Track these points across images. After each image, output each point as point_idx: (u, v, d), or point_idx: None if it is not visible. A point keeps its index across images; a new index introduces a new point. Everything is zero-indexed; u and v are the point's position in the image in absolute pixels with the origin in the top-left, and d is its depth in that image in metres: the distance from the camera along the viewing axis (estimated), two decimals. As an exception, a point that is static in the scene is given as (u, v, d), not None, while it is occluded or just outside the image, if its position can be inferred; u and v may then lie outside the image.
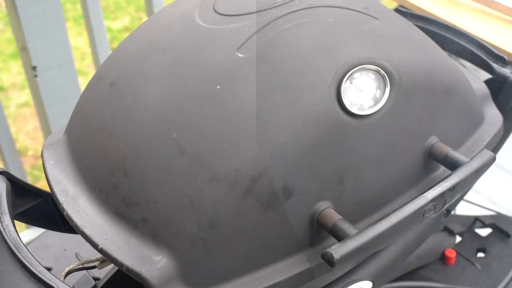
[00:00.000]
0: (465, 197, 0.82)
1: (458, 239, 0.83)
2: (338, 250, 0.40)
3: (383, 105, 0.45)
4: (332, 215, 0.44)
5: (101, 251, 0.43)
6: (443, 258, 0.78)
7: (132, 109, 0.45)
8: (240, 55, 0.45)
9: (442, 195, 0.45)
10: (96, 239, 0.43)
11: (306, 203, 0.44)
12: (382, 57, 0.46)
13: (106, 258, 0.43)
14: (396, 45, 0.48)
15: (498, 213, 0.87)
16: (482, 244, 0.81)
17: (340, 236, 0.43)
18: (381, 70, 0.45)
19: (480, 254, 0.80)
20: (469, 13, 0.83)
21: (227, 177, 0.41)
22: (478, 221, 0.84)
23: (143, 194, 0.43)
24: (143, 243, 0.42)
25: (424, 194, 0.45)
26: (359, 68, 0.45)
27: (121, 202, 0.44)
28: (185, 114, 0.43)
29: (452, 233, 0.80)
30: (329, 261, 0.41)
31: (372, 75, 0.45)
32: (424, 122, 0.49)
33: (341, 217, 0.44)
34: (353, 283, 0.57)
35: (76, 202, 0.46)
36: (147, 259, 0.42)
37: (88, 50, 2.17)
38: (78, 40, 2.44)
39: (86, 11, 1.39)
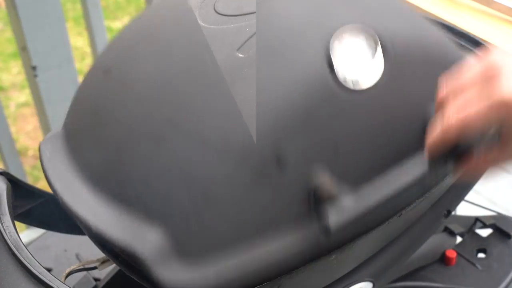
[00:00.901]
0: (465, 197, 0.82)
1: (459, 239, 0.82)
2: (334, 217, 0.40)
3: (377, 75, 0.44)
4: (328, 184, 0.43)
5: (95, 234, 0.42)
6: (443, 259, 0.78)
7: (123, 93, 0.46)
8: (240, 55, 0.45)
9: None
10: (90, 222, 0.43)
11: (300, 172, 0.43)
12: (375, 27, 0.45)
13: (101, 239, 0.42)
14: (391, 17, 0.48)
15: (499, 214, 0.87)
16: (483, 245, 0.81)
17: (336, 205, 0.42)
18: (374, 40, 0.44)
19: (481, 255, 0.80)
20: (469, 13, 0.83)
21: (219, 148, 0.41)
22: (478, 221, 0.84)
23: (136, 173, 0.43)
24: (137, 221, 0.42)
25: (424, 160, 0.44)
26: (352, 38, 0.44)
27: (116, 184, 0.44)
28: (176, 91, 0.43)
29: (452, 234, 0.80)
30: (326, 229, 0.40)
31: (364, 45, 0.45)
32: (422, 93, 0.48)
33: (338, 185, 0.43)
34: (354, 284, 0.57)
35: (71, 188, 0.46)
36: (141, 236, 0.41)
37: (88, 50, 2.17)
38: (78, 40, 2.44)
39: (86, 11, 1.39)
